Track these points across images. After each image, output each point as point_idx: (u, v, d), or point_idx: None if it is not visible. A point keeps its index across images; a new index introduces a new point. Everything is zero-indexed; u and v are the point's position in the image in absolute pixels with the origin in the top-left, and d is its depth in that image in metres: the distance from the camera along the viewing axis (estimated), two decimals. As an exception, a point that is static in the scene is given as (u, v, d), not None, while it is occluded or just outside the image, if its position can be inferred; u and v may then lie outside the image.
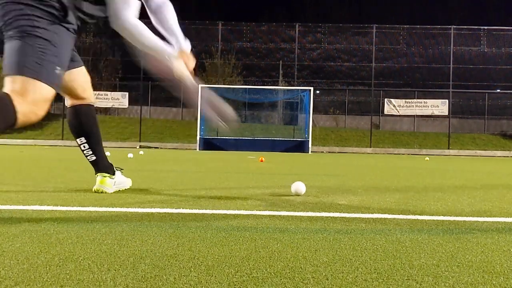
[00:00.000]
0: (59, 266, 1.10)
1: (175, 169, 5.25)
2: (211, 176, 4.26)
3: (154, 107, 27.59)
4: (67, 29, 2.09)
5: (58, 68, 2.03)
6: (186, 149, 19.87)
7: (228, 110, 2.23)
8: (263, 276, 1.06)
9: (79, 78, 2.51)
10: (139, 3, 2.22)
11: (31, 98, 1.93)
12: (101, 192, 2.59)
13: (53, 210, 1.94)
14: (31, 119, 1.99)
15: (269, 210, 2.08)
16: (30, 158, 7.25)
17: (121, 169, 2.81)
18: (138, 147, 20.36)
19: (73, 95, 2.55)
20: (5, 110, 1.86)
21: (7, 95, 1.89)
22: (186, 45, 2.33)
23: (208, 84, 23.18)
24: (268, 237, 1.49)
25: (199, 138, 18.71)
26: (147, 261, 1.16)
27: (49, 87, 1.97)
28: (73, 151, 11.85)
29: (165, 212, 1.96)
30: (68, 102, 2.60)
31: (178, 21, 2.40)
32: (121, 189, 2.75)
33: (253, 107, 25.99)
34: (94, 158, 2.59)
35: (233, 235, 1.52)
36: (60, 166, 5.21)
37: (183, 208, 2.08)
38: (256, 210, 2.09)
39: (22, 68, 1.91)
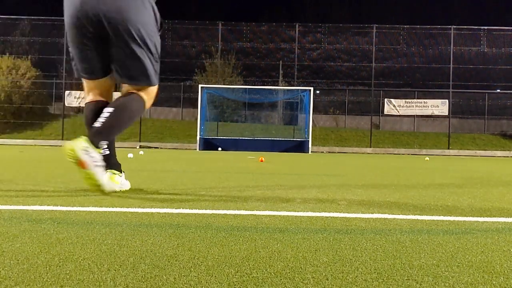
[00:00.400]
0: (59, 266, 1.10)
1: (175, 169, 5.25)
2: (211, 176, 4.26)
3: (154, 107, 27.57)
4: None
5: None
6: (186, 149, 19.87)
7: None
8: (263, 276, 1.06)
9: (114, 80, 2.78)
10: None
11: (152, 95, 2.69)
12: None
13: (53, 210, 1.94)
14: (149, 106, 2.74)
15: (269, 210, 2.08)
16: (30, 158, 7.25)
17: (123, 172, 2.85)
18: (138, 147, 20.36)
19: (105, 93, 2.76)
20: (141, 107, 2.62)
21: (140, 96, 2.59)
22: None
23: (208, 84, 23.19)
24: (268, 237, 1.49)
25: (199, 138, 18.72)
26: (147, 261, 1.16)
27: None
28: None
29: (165, 212, 1.96)
30: (91, 97, 2.74)
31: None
32: (122, 190, 2.76)
33: (253, 107, 26.00)
34: (108, 152, 2.66)
35: (233, 235, 1.52)
36: (60, 167, 5.21)
37: (183, 208, 2.08)
38: (256, 210, 2.09)
39: (151, 81, 2.60)
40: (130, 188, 2.83)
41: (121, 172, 2.76)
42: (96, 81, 2.67)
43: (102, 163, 2.33)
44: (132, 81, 2.56)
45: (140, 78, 2.55)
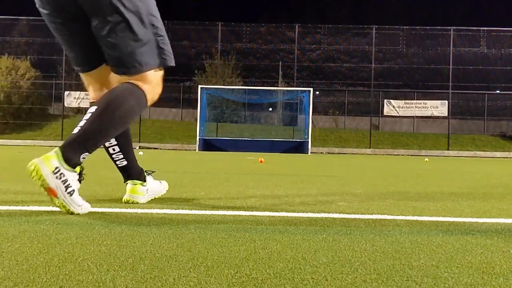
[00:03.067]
0: (58, 267, 1.10)
1: (175, 170, 5.25)
2: (210, 176, 4.25)
3: (154, 108, 27.56)
4: None
5: None
6: (186, 149, 19.87)
7: None
8: (263, 277, 1.06)
9: None
10: None
11: (156, 81, 2.01)
12: (132, 202, 2.25)
13: (52, 211, 1.94)
14: (154, 98, 2.05)
15: (268, 211, 2.08)
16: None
17: (151, 172, 2.42)
18: (137, 147, 20.36)
19: (107, 87, 2.16)
20: (140, 100, 1.94)
21: (137, 86, 1.93)
22: None
23: (208, 85, 23.19)
24: (268, 238, 1.49)
25: (199, 138, 18.72)
26: (146, 262, 1.16)
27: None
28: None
29: (165, 213, 1.96)
30: (91, 95, 2.19)
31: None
32: (156, 197, 2.43)
33: (253, 108, 26.00)
34: (125, 163, 2.23)
35: (232, 236, 1.52)
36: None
37: (182, 209, 2.08)
38: (256, 211, 2.09)
39: (144, 66, 1.94)
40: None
41: (145, 180, 2.28)
42: (90, 73, 2.10)
43: (77, 185, 1.85)
44: (118, 68, 1.93)
45: (129, 64, 1.89)
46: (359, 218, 1.95)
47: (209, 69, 25.77)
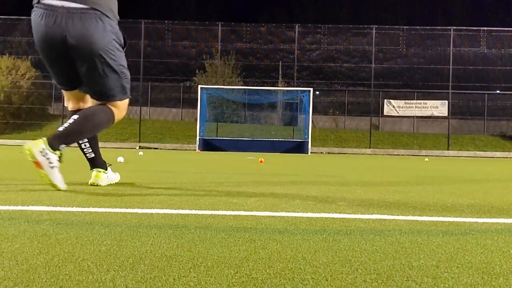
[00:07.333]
0: (58, 267, 1.10)
1: (175, 170, 5.25)
2: (210, 176, 4.25)
3: (154, 108, 27.56)
4: None
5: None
6: (186, 149, 19.87)
7: None
8: (263, 277, 1.06)
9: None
10: None
11: (122, 108, 2.93)
12: (96, 185, 2.96)
13: (52, 211, 1.94)
14: (119, 118, 2.94)
15: (268, 211, 2.08)
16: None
17: (110, 165, 3.19)
18: (137, 147, 20.36)
19: (83, 101, 3.03)
20: (109, 119, 2.85)
21: (110, 108, 2.83)
22: None
23: (207, 84, 23.19)
24: (268, 238, 1.49)
25: (199, 138, 18.72)
26: (146, 262, 1.16)
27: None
28: (72, 152, 11.82)
29: (165, 213, 1.96)
30: (70, 106, 3.06)
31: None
32: (112, 183, 3.12)
33: (253, 108, 26.00)
34: (93, 155, 3.01)
35: (232, 235, 1.52)
36: (59, 167, 5.20)
37: (182, 209, 2.08)
38: (256, 211, 2.09)
39: (117, 97, 2.85)
40: (130, 188, 2.83)
41: (106, 169, 3.07)
42: (71, 91, 2.94)
43: (57, 164, 2.57)
44: (100, 97, 2.82)
45: (107, 96, 2.80)
46: (359, 218, 1.95)
47: (209, 69, 25.76)
